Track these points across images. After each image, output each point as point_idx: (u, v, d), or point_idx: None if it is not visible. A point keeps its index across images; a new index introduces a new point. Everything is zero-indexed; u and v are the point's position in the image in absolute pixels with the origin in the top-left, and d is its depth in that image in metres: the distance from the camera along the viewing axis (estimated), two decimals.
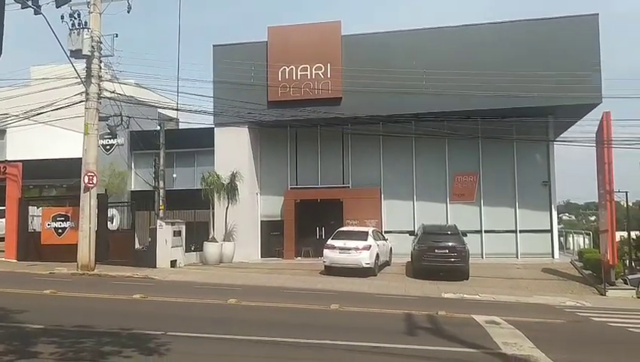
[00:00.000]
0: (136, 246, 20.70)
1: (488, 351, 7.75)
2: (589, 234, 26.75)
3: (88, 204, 17.97)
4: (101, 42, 17.99)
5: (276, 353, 7.41)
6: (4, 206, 21.61)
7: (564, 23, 21.23)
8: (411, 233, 21.32)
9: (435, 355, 7.47)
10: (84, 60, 18.03)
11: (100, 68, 18.18)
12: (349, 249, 18.02)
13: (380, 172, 24.35)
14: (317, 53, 22.47)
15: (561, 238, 27.37)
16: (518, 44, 21.26)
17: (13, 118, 21.14)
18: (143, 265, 18.82)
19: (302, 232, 24.28)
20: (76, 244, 17.99)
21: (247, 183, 23.09)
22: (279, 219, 24.66)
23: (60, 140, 29.57)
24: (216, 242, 21.75)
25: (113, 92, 18.92)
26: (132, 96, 21.45)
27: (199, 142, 26.37)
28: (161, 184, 23.12)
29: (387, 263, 20.68)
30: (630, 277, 16.92)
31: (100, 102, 18.50)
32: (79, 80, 18.15)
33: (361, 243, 18.15)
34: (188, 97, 38.20)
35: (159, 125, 24.46)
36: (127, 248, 20.04)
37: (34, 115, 20.00)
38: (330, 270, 18.32)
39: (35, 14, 15.58)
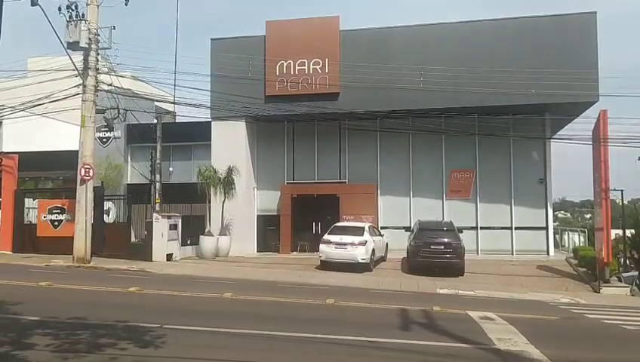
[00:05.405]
0: (132, 239, 20.69)
1: (482, 346, 7.80)
2: (584, 232, 26.89)
3: (84, 196, 17.96)
4: (98, 34, 17.92)
5: (271, 346, 7.44)
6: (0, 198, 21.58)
7: (562, 20, 21.29)
8: (407, 229, 21.37)
9: (430, 350, 7.50)
10: (82, 52, 17.99)
11: (98, 60, 18.14)
12: (345, 244, 18.06)
13: (377, 167, 24.38)
14: (315, 47, 22.44)
15: (557, 236, 27.51)
16: (516, 41, 21.28)
17: (9, 109, 21.08)
18: (138, 258, 18.86)
19: (298, 227, 24.32)
20: (72, 237, 17.99)
21: (243, 177, 23.08)
22: (276, 213, 24.69)
23: (56, 132, 29.48)
24: (213, 236, 21.76)
25: (110, 85, 18.90)
26: (129, 89, 21.42)
27: (196, 136, 26.32)
28: (158, 177, 23.08)
29: (383, 259, 20.73)
30: (624, 275, 17.01)
31: (97, 95, 18.47)
32: (76, 72, 18.10)
33: (357, 239, 18.18)
34: (185, 91, 38.25)
35: (156, 118, 24.42)
36: (123, 241, 20.05)
37: (30, 107, 19.95)
38: (326, 265, 18.35)
39: (32, 5, 15.54)
